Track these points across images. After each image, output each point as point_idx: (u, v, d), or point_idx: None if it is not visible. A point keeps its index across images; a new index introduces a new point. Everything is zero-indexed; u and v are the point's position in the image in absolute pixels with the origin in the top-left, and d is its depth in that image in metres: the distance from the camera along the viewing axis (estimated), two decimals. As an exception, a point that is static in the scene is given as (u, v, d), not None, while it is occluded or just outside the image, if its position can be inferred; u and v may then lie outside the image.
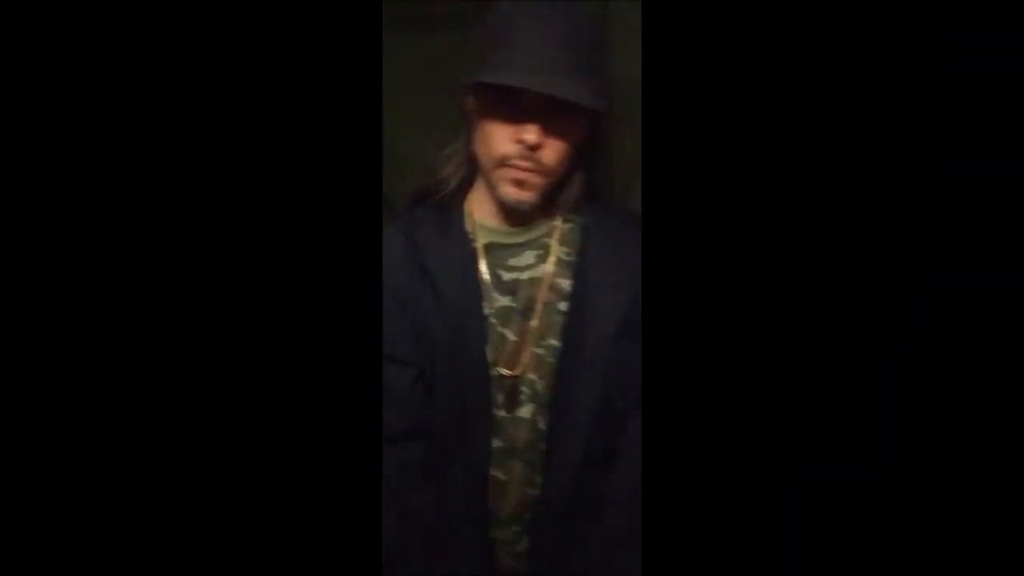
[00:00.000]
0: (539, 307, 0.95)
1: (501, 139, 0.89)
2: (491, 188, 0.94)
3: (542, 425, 0.95)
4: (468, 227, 0.98)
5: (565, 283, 0.96)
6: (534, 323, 0.94)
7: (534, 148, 0.88)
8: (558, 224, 0.97)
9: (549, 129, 0.89)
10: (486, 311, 0.94)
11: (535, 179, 0.90)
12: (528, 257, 0.96)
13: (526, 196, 0.91)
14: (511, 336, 0.94)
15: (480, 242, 0.96)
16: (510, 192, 0.91)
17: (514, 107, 0.88)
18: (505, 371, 0.94)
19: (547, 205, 0.96)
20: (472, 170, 0.97)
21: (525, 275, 0.96)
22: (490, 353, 0.94)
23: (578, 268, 0.96)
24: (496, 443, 0.94)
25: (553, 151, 0.90)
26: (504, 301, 0.95)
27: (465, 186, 0.98)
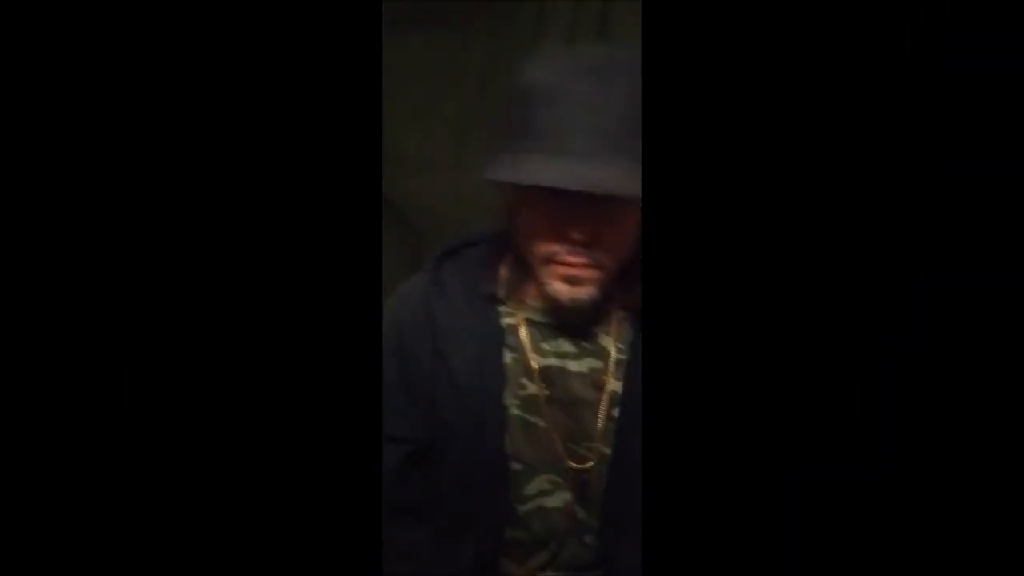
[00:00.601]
0: (585, 405, 0.82)
1: (544, 235, 0.76)
2: (539, 282, 0.80)
3: (584, 517, 0.84)
4: (502, 294, 0.84)
5: (615, 384, 0.82)
6: (580, 423, 0.82)
7: (586, 245, 0.75)
8: (614, 313, 0.83)
9: (603, 220, 0.75)
10: (508, 399, 0.82)
11: (591, 274, 0.77)
12: (567, 344, 0.83)
13: (582, 293, 0.77)
14: (542, 425, 0.82)
15: (517, 316, 0.83)
16: (562, 290, 0.77)
17: (556, 198, 0.73)
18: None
19: (609, 297, 0.81)
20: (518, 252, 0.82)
21: (562, 364, 0.83)
22: (520, 445, 0.82)
23: (630, 368, 0.82)
24: (519, 534, 0.84)
25: (611, 244, 0.76)
26: (535, 389, 0.82)
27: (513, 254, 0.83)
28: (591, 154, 0.72)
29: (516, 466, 0.83)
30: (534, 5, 1.59)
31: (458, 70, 1.59)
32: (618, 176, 0.71)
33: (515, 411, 0.83)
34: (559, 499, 0.84)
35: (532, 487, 0.84)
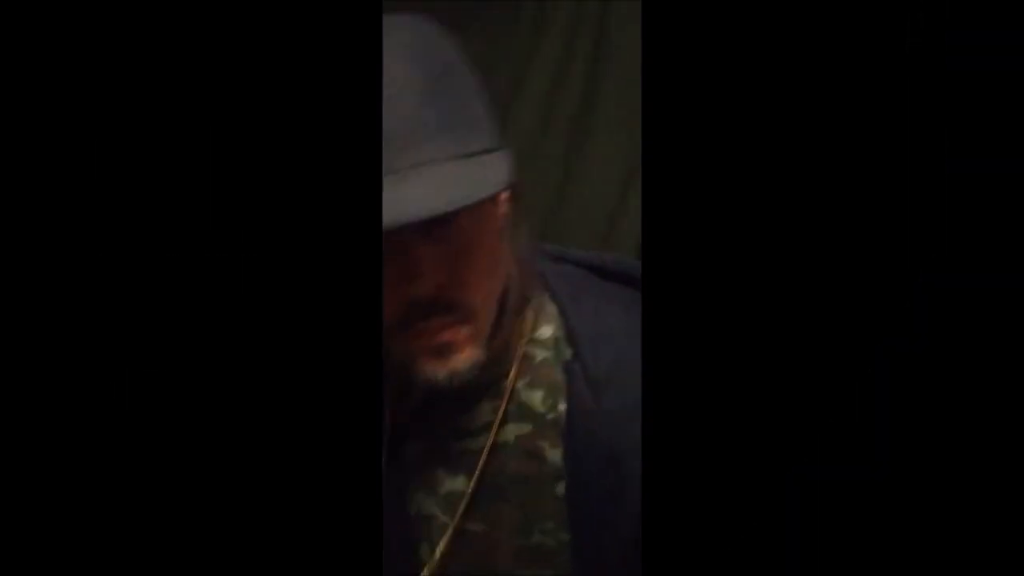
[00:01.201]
0: (517, 489, 0.64)
1: (386, 304, 0.57)
2: (406, 371, 0.61)
3: None
4: (392, 371, 0.64)
5: (553, 452, 0.64)
6: (516, 512, 0.63)
7: (437, 299, 0.58)
8: (520, 351, 0.64)
9: (447, 253, 0.57)
10: (421, 501, 0.64)
11: (462, 333, 0.59)
12: (485, 412, 0.65)
13: (460, 364, 0.60)
14: (475, 529, 0.64)
15: (411, 399, 0.65)
16: (434, 369, 0.60)
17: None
18: None
19: (501, 336, 0.63)
20: None
21: (479, 442, 0.64)
22: (452, 555, 0.64)
23: (569, 423, 0.63)
24: None
25: (466, 283, 0.58)
26: (455, 484, 0.64)
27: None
28: (425, 165, 0.55)
29: None
30: (534, 5, 1.59)
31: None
32: (425, 192, 0.54)
33: (438, 521, 0.65)
34: None
35: None
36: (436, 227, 0.56)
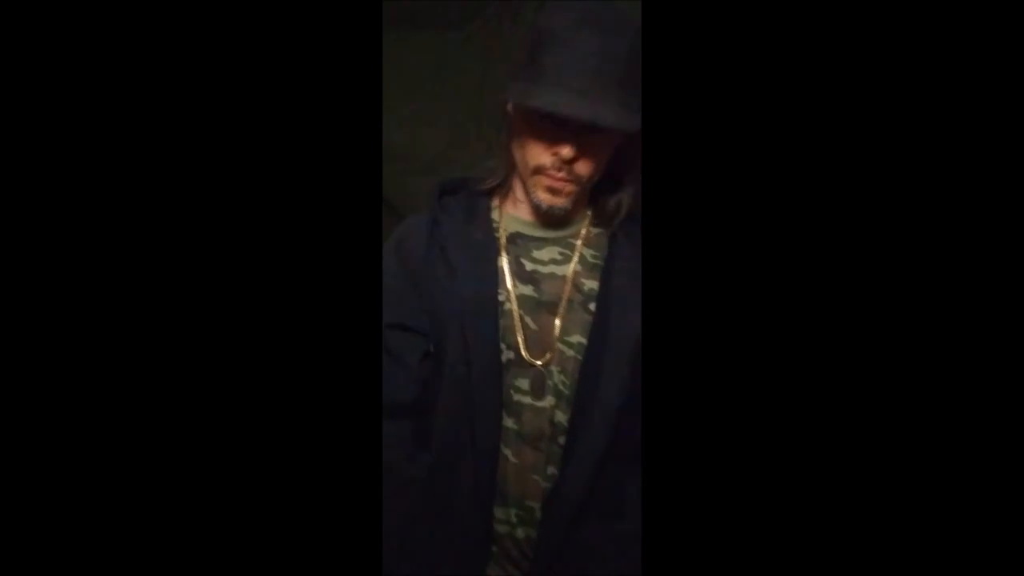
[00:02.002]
0: (564, 303, 0.98)
1: (538, 151, 0.95)
2: (526, 189, 1.00)
3: (561, 419, 0.95)
4: (495, 216, 1.03)
5: (591, 283, 0.99)
6: (558, 319, 0.97)
7: (569, 162, 0.94)
8: (585, 227, 1.02)
9: (584, 145, 0.93)
10: (502, 297, 0.97)
11: (569, 187, 0.96)
12: (552, 252, 1.01)
13: (560, 202, 0.97)
14: (532, 325, 0.97)
15: (505, 232, 1.02)
16: (544, 198, 0.97)
17: (552, 124, 0.92)
18: (529, 358, 0.96)
19: (578, 208, 1.01)
20: (510, 167, 1.02)
21: (547, 269, 1.00)
22: (511, 338, 0.97)
23: (604, 271, 1.00)
24: (510, 423, 0.95)
25: (587, 164, 0.95)
26: (525, 290, 0.98)
27: (504, 181, 1.03)
28: (584, 90, 0.90)
29: (509, 355, 0.97)
30: (534, 5, 1.59)
31: (458, 70, 1.60)
32: (603, 111, 0.89)
33: (509, 306, 0.98)
34: (548, 401, 0.96)
35: (522, 383, 0.97)
36: (590, 129, 0.91)
